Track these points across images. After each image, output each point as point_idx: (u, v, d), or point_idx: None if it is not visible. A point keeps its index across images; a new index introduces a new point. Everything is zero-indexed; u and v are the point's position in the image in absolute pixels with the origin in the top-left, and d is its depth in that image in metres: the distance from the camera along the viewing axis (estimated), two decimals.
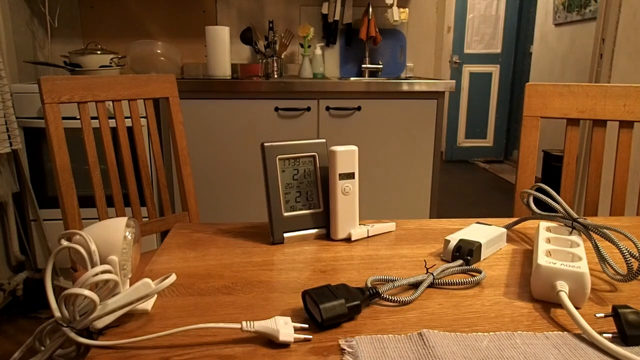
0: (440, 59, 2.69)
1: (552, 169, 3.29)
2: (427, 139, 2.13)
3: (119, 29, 2.36)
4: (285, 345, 0.41)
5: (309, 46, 2.40)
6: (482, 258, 0.60)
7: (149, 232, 1.21)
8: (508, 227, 0.69)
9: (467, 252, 0.58)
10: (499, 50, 5.02)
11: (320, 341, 0.42)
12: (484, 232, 0.63)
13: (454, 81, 2.06)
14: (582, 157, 2.45)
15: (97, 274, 0.41)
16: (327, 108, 2.05)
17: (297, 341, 0.42)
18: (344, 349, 0.41)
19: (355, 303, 0.45)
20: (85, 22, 2.33)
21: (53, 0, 2.23)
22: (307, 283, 0.53)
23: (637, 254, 0.53)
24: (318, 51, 2.40)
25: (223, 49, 2.12)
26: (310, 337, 0.42)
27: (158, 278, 0.46)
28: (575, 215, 0.61)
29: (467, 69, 5.05)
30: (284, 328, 0.42)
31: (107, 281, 0.43)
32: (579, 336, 0.43)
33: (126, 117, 1.15)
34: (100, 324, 0.42)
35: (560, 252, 0.54)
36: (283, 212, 0.64)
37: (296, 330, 0.42)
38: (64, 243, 0.43)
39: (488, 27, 4.97)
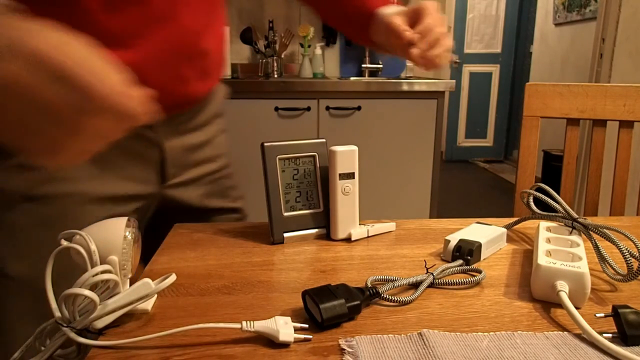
0: None
1: (552, 169, 3.29)
2: (427, 139, 2.13)
3: None
4: (285, 345, 0.41)
5: (309, 46, 2.40)
6: (482, 258, 0.60)
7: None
8: (508, 227, 0.69)
9: (467, 252, 0.58)
10: (499, 50, 5.02)
11: (320, 341, 0.42)
12: (484, 232, 0.63)
13: (454, 81, 2.06)
14: (582, 157, 2.45)
15: (97, 274, 0.41)
16: (327, 108, 2.05)
17: (297, 341, 0.42)
18: (344, 349, 0.41)
19: (355, 303, 0.45)
20: None
21: None
22: (307, 283, 0.53)
23: (637, 254, 0.53)
24: (318, 51, 2.40)
25: None
26: (310, 337, 0.42)
27: (158, 278, 0.46)
28: (575, 215, 0.61)
29: (467, 69, 5.05)
30: (284, 328, 0.42)
31: (107, 281, 0.43)
32: (579, 336, 0.43)
33: None
34: (100, 324, 0.42)
35: (560, 252, 0.54)
36: (283, 212, 0.64)
37: (296, 330, 0.42)
38: (64, 243, 0.43)
39: (488, 27, 4.97)
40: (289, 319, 0.43)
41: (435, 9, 0.69)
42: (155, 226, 0.75)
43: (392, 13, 0.71)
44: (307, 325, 0.43)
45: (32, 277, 0.57)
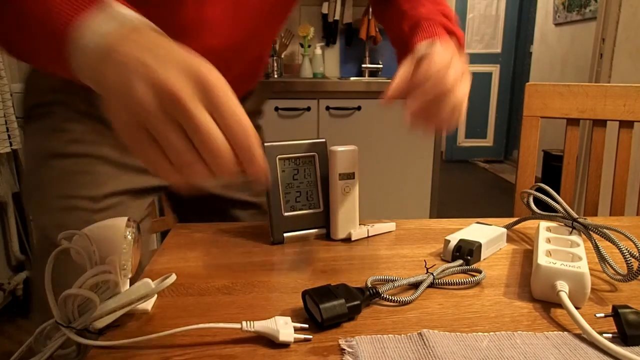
0: None
1: (552, 169, 3.29)
2: (427, 139, 2.13)
3: None
4: (285, 345, 0.41)
5: (309, 46, 2.40)
6: (482, 258, 0.60)
7: (149, 232, 1.21)
8: (508, 227, 0.69)
9: (467, 252, 0.58)
10: (499, 50, 5.02)
11: (320, 341, 0.42)
12: (484, 232, 0.63)
13: None
14: (582, 157, 2.45)
15: (96, 274, 0.41)
16: (327, 108, 2.05)
17: (297, 341, 0.42)
18: (344, 349, 0.41)
19: (355, 303, 0.45)
20: None
21: None
22: (307, 283, 0.53)
23: (637, 254, 0.53)
24: (318, 51, 2.40)
25: None
26: (310, 337, 0.42)
27: (158, 278, 0.46)
28: (575, 215, 0.61)
29: None
30: (284, 328, 0.42)
31: (107, 281, 0.43)
32: (579, 336, 0.43)
33: None
34: (100, 324, 0.42)
35: (560, 252, 0.54)
36: (283, 212, 0.64)
37: (296, 330, 0.42)
38: (64, 243, 0.43)
39: (488, 27, 4.97)
40: (289, 319, 0.43)
41: (443, 52, 0.52)
42: (180, 208, 0.79)
43: (418, 55, 0.55)
44: (307, 325, 0.43)
45: (54, 228, 0.62)
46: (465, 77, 0.54)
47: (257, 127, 0.89)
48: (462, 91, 0.52)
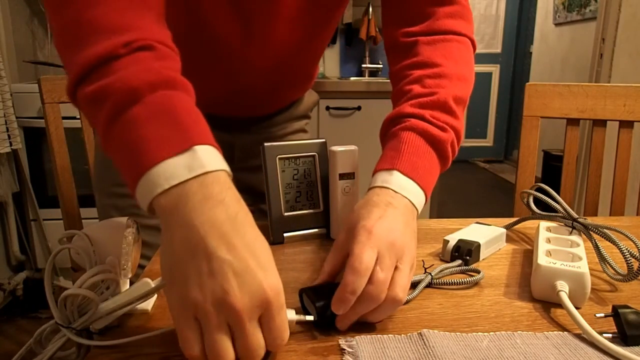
0: None
1: (552, 169, 3.29)
2: None
3: None
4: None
5: None
6: (481, 258, 0.60)
7: None
8: (508, 227, 0.69)
9: (465, 252, 0.58)
10: (499, 50, 5.01)
11: (320, 341, 0.42)
12: (483, 232, 0.63)
13: None
14: (582, 157, 2.45)
15: (96, 274, 0.41)
16: (327, 108, 2.05)
17: (299, 322, 0.42)
18: (344, 349, 0.41)
19: None
20: None
21: None
22: (307, 283, 0.53)
23: (637, 254, 0.53)
24: None
25: None
26: (312, 318, 0.43)
27: (158, 278, 0.46)
28: (575, 215, 0.61)
29: None
30: None
31: (107, 281, 0.43)
32: (579, 336, 0.43)
33: None
34: (100, 324, 0.42)
35: (560, 252, 0.54)
36: (283, 212, 0.64)
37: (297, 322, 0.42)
38: (64, 243, 0.43)
39: (488, 27, 4.97)
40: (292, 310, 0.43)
41: (365, 252, 0.43)
42: None
43: (359, 206, 0.51)
44: (304, 317, 0.43)
45: (111, 209, 0.75)
46: (406, 257, 0.45)
47: (303, 131, 0.90)
48: (398, 288, 0.43)
